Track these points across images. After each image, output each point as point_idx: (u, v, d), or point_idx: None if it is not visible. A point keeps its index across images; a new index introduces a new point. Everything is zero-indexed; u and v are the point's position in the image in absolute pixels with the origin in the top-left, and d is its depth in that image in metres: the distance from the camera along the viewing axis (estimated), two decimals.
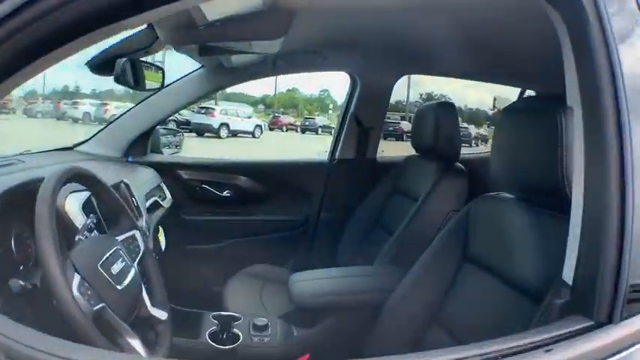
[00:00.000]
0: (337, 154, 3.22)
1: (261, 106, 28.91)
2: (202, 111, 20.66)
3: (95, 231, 1.61)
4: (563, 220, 1.11)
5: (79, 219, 1.61)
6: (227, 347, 1.94)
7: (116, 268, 1.36)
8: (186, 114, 21.28)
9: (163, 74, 2.30)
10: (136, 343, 1.31)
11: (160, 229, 2.56)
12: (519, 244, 1.45)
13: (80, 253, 1.32)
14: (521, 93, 3.27)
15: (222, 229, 3.14)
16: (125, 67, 2.10)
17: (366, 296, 2.06)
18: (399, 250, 2.32)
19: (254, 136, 21.37)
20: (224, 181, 3.14)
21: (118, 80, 2.07)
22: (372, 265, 2.44)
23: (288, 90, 30.68)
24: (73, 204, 1.63)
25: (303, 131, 24.30)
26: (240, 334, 2.00)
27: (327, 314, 2.07)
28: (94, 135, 2.91)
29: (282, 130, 24.89)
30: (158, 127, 3.14)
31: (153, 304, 1.55)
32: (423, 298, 1.73)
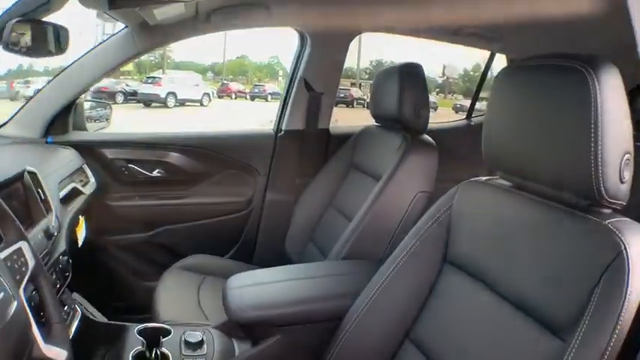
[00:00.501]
0: (284, 124, 2.85)
1: (210, 74, 28.55)
2: (149, 81, 20.52)
3: None
4: (585, 221, 1.02)
5: None
6: None
7: None
8: (133, 85, 21.05)
9: (67, 36, 1.87)
10: None
11: (81, 220, 2.23)
12: (521, 249, 1.16)
13: None
14: (491, 57, 2.98)
15: (153, 216, 2.75)
16: (14, 31, 1.67)
17: (320, 305, 1.69)
18: (360, 238, 2.00)
19: (202, 105, 20.94)
20: (154, 158, 2.74)
21: (6, 47, 1.65)
22: (327, 255, 2.12)
23: (238, 57, 30.47)
24: None
25: (253, 98, 24.06)
26: (169, 354, 1.63)
27: (275, 328, 1.68)
28: (11, 117, 2.51)
29: (232, 98, 24.62)
30: (82, 100, 2.74)
31: (48, 341, 1.18)
32: (394, 308, 1.43)
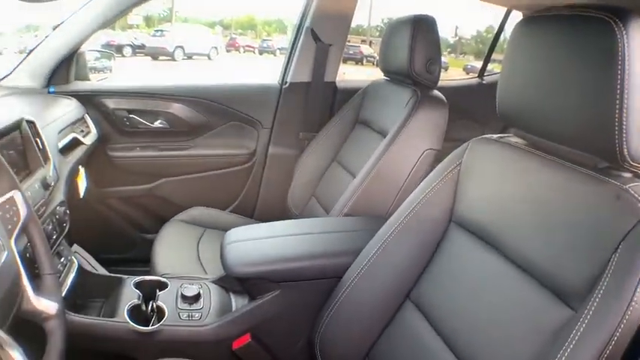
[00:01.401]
0: (289, 76, 2.76)
1: (218, 28, 28.36)
2: (157, 34, 20.56)
3: None
4: (604, 184, 0.97)
5: None
6: (148, 329, 1.52)
7: None
8: (142, 38, 21.00)
9: None
10: (16, 356, 0.94)
11: (81, 170, 2.22)
12: (531, 211, 1.10)
13: None
14: (506, 15, 2.88)
15: (155, 167, 2.71)
16: None
17: (320, 262, 1.63)
18: (364, 195, 1.95)
19: (209, 59, 20.83)
20: (156, 109, 2.68)
21: None
22: (330, 212, 2.07)
23: (247, 14, 30.41)
24: None
25: (261, 53, 24.05)
26: (165, 307, 1.58)
27: (273, 284, 1.64)
28: (15, 67, 2.45)
29: (240, 52, 24.49)
30: (85, 49, 2.66)
31: (38, 293, 1.15)
32: (396, 267, 1.38)
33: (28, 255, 1.28)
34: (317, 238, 1.78)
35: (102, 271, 2.00)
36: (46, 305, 1.15)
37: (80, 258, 1.96)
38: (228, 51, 23.98)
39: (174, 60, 19.43)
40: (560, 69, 1.02)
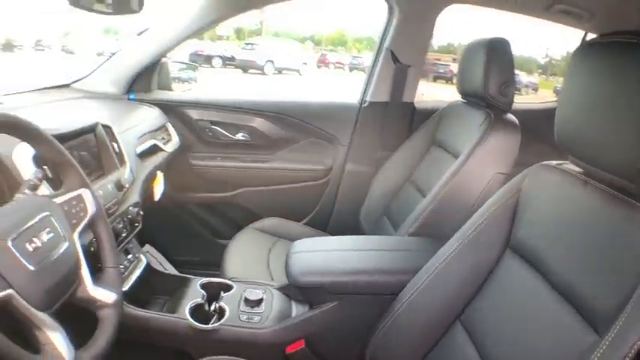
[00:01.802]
0: (369, 95, 2.79)
1: (309, 43, 28.67)
2: (248, 47, 20.79)
3: (47, 188, 1.33)
4: None
5: (27, 173, 1.31)
6: (207, 327, 1.60)
7: (38, 241, 1.06)
8: (232, 50, 21.39)
9: None
10: (56, 337, 1.03)
11: (159, 175, 2.32)
12: (580, 240, 1.09)
13: None
14: (584, 37, 2.82)
15: (234, 177, 2.82)
16: None
17: (378, 278, 1.67)
18: (431, 216, 1.95)
19: (300, 74, 21.06)
20: (238, 122, 2.79)
21: (75, 3, 1.67)
22: (398, 229, 2.09)
23: (338, 30, 30.57)
24: (23, 154, 1.33)
25: (351, 70, 24.03)
26: (226, 309, 1.66)
27: (331, 295, 1.68)
28: (93, 70, 2.62)
29: (330, 69, 24.63)
30: (168, 60, 2.83)
31: (97, 284, 1.25)
32: (450, 288, 1.39)
33: (92, 249, 1.36)
34: (378, 255, 1.82)
35: (172, 271, 2.10)
36: (103, 295, 1.24)
37: (150, 257, 2.06)
38: (318, 67, 24.17)
39: (264, 74, 19.72)
40: (616, 98, 1.01)
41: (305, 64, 21.76)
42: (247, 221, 2.61)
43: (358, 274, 1.68)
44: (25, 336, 1.04)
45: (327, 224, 2.84)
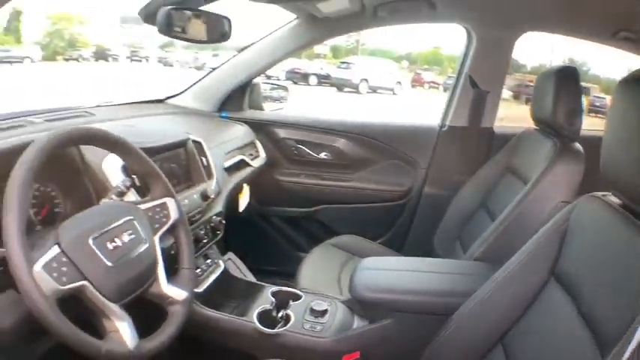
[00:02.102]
0: (449, 119, 2.85)
1: (404, 62, 28.53)
2: (343, 66, 20.97)
3: (134, 195, 1.52)
4: None
5: (115, 180, 1.49)
6: (271, 331, 1.72)
7: (119, 241, 1.23)
8: (327, 68, 21.62)
9: (229, 25, 2.03)
10: (123, 327, 1.19)
11: (245, 188, 2.50)
12: (614, 274, 1.11)
13: (73, 223, 1.20)
14: None
15: (316, 194, 2.94)
16: (167, 17, 1.85)
17: (433, 299, 1.76)
18: (496, 242, 1.98)
19: (394, 93, 21.04)
20: (322, 142, 2.93)
21: (160, 31, 1.84)
22: (466, 254, 2.13)
23: (434, 47, 30.24)
24: (112, 164, 1.52)
25: (445, 90, 23.67)
26: (292, 316, 1.78)
27: (389, 312, 1.77)
28: (188, 87, 2.84)
29: (424, 88, 24.43)
30: (260, 81, 3.01)
31: (172, 282, 1.40)
32: (497, 312, 1.44)
33: (172, 252, 1.52)
34: (437, 277, 1.89)
35: (250, 278, 2.23)
36: (176, 292, 1.39)
37: (231, 264, 2.21)
38: (412, 86, 24.00)
39: (358, 92, 19.85)
40: None
41: (399, 83, 21.74)
42: (325, 236, 2.70)
43: (414, 293, 1.77)
44: (92, 323, 1.18)
45: (402, 245, 2.89)
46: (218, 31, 1.99)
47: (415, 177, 2.89)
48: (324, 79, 21.21)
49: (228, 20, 1.99)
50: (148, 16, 1.90)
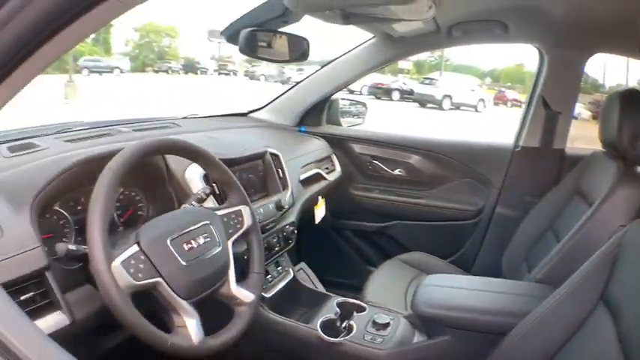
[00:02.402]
0: (522, 140, 2.85)
1: (488, 80, 28.14)
2: (426, 81, 20.89)
3: (213, 202, 1.66)
4: None
5: (196, 188, 1.64)
6: (332, 340, 1.81)
7: (194, 243, 1.35)
8: (410, 84, 21.59)
9: (308, 45, 2.15)
10: (191, 323, 1.30)
11: (320, 200, 2.60)
12: None
13: (154, 224, 1.34)
14: None
15: (389, 209, 3.01)
16: (249, 37, 1.99)
17: (489, 318, 1.80)
18: (557, 265, 1.99)
19: (477, 110, 20.79)
20: (397, 158, 3.01)
21: (242, 51, 1.99)
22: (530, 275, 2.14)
23: (517, 64, 29.68)
24: (195, 172, 1.67)
25: None
26: (354, 327, 1.87)
27: (446, 328, 1.83)
28: (269, 102, 2.99)
29: (507, 106, 23.98)
30: (339, 97, 3.12)
31: (241, 284, 1.52)
32: (547, 334, 1.46)
33: (245, 257, 1.64)
34: (496, 297, 1.92)
35: (320, 288, 2.33)
36: (244, 295, 1.50)
37: (302, 273, 2.32)
38: (495, 104, 23.63)
39: (441, 109, 19.73)
40: None
41: (482, 100, 21.46)
42: (395, 252, 2.76)
43: (470, 311, 1.82)
44: (161, 318, 1.30)
45: (471, 264, 2.90)
46: (298, 50, 2.11)
47: (488, 196, 2.89)
48: (406, 95, 21.21)
49: (307, 41, 2.12)
50: (231, 36, 2.06)
